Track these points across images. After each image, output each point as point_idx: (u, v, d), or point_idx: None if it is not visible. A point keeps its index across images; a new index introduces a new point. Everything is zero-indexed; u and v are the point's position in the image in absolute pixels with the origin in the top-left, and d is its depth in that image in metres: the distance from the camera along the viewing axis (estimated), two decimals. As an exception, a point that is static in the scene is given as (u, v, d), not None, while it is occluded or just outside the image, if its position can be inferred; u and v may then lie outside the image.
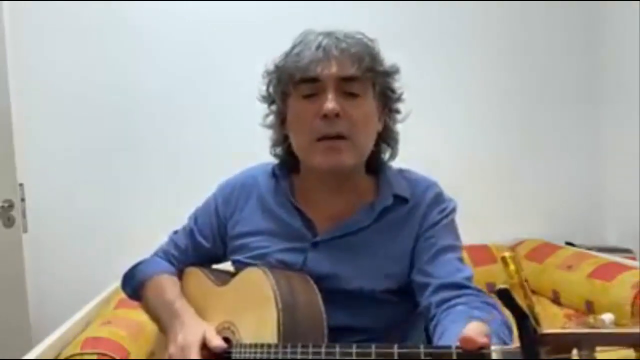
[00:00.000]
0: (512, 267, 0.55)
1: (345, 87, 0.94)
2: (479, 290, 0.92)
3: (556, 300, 2.16)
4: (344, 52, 0.94)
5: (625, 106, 2.48)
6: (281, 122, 1.02)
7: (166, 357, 0.92)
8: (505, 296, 0.54)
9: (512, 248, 2.49)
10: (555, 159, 2.63)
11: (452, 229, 1.01)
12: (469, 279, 0.93)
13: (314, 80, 0.94)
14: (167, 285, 1.08)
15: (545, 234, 2.51)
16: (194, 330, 0.92)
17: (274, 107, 1.04)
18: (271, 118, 1.05)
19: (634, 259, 2.26)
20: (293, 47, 0.98)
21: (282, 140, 1.05)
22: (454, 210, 1.02)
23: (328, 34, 0.96)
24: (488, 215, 2.43)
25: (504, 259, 0.55)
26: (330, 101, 0.92)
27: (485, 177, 2.54)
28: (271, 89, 1.02)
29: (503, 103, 2.59)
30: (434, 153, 2.37)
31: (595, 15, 2.61)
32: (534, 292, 2.32)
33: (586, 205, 2.64)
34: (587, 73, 2.63)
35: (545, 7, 2.58)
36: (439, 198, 1.01)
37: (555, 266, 2.23)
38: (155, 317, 1.07)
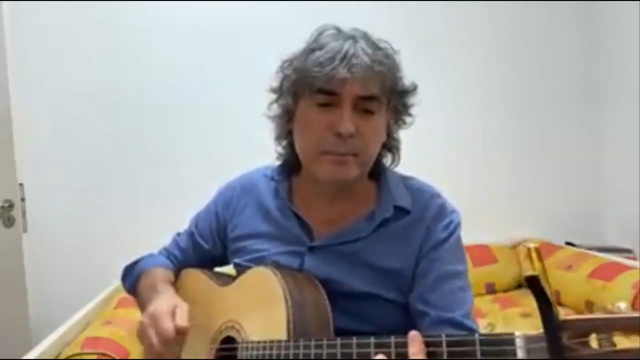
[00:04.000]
0: (535, 258, 0.56)
1: (363, 104, 0.92)
2: (473, 330, 0.90)
3: (556, 300, 2.15)
4: (368, 70, 0.90)
5: (625, 107, 2.48)
6: (287, 118, 1.00)
7: (139, 328, 0.91)
8: (534, 283, 0.56)
9: (512, 248, 2.49)
10: (555, 159, 2.64)
11: (457, 249, 0.97)
12: (467, 315, 0.91)
13: (333, 93, 0.91)
14: (155, 274, 1.08)
15: (545, 234, 2.52)
16: (165, 300, 0.91)
17: (282, 101, 1.01)
18: (276, 108, 1.02)
19: (634, 259, 2.26)
20: (313, 50, 0.93)
21: (286, 134, 1.03)
22: (458, 225, 0.98)
23: (353, 41, 0.92)
24: (488, 215, 2.43)
25: (529, 250, 0.57)
26: (347, 120, 0.89)
27: (486, 177, 2.54)
28: (284, 85, 0.99)
29: (503, 104, 2.60)
30: (435, 154, 2.37)
31: (595, 16, 2.61)
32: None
33: (586, 205, 2.65)
34: (587, 74, 2.64)
35: (546, 7, 2.58)
36: (443, 211, 0.98)
37: (555, 266, 2.23)
38: (141, 305, 1.07)
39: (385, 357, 0.70)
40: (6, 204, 2.05)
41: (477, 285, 2.26)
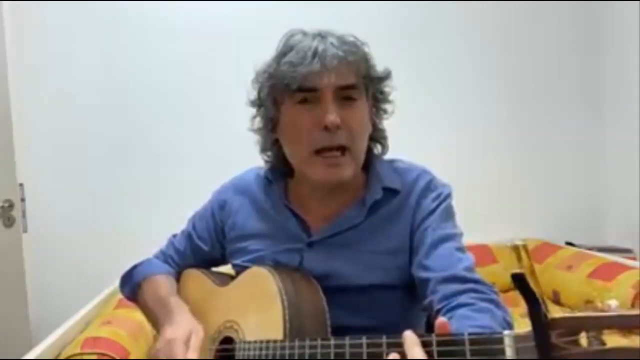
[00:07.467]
0: (523, 255, 0.56)
1: (343, 93, 0.93)
2: (479, 282, 0.89)
3: (556, 300, 2.16)
4: (341, 61, 0.92)
5: (625, 106, 2.48)
6: (271, 128, 1.01)
7: (153, 352, 0.92)
8: (520, 281, 0.55)
9: (513, 248, 2.49)
10: (555, 159, 2.63)
11: (449, 216, 0.98)
12: (469, 268, 0.90)
13: (312, 90, 0.92)
14: (161, 283, 1.08)
15: (545, 234, 2.52)
16: (182, 326, 0.91)
17: (262, 111, 1.02)
18: (258, 120, 1.03)
19: (634, 259, 2.26)
20: (284, 53, 0.94)
21: (272, 145, 1.03)
22: (449, 195, 0.99)
23: (321, 38, 0.93)
24: (488, 215, 2.43)
25: (515, 247, 0.56)
26: (331, 113, 0.91)
27: (486, 177, 2.54)
28: (262, 95, 1.00)
29: (503, 103, 2.59)
30: (435, 153, 2.36)
31: (595, 15, 2.61)
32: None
33: (586, 205, 2.64)
34: (588, 73, 2.64)
35: (546, 7, 2.58)
36: (431, 185, 0.99)
37: (555, 266, 2.23)
38: (150, 316, 1.07)
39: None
40: (6, 204, 2.05)
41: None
